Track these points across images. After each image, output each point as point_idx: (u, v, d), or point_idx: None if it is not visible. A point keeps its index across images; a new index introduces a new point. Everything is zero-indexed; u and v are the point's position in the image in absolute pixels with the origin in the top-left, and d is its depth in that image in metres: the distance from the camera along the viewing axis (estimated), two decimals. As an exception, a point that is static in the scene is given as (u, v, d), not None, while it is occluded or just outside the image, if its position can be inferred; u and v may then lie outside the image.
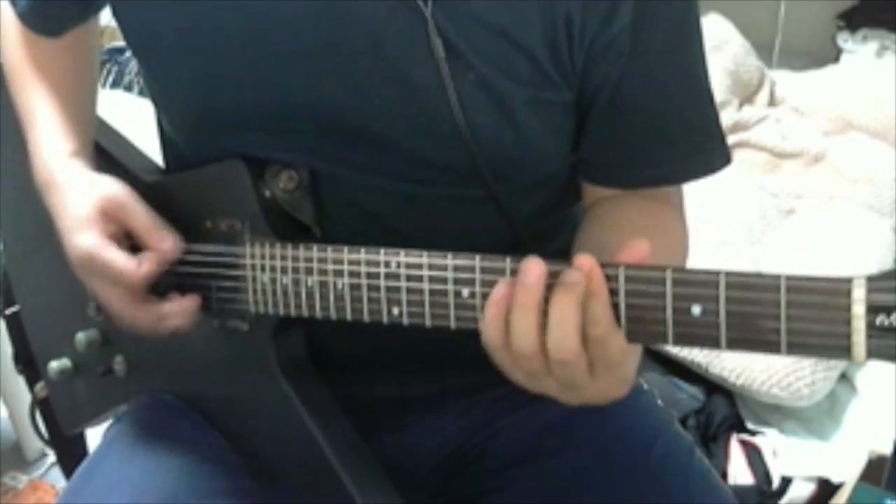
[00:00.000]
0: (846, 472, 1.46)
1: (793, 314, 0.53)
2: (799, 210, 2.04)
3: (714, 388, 1.66)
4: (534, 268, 0.59)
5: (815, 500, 1.50)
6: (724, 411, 1.63)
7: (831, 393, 1.67)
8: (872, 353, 0.51)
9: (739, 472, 1.53)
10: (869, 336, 0.50)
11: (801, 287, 0.53)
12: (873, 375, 1.73)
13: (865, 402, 1.69)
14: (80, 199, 0.78)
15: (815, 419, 1.66)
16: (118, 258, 0.74)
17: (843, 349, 0.51)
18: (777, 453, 1.56)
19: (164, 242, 0.76)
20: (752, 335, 0.54)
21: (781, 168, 2.27)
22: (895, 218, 2.05)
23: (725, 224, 1.91)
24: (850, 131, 2.35)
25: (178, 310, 0.77)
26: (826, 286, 0.52)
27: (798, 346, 0.53)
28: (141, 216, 0.77)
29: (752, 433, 1.62)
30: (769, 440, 1.59)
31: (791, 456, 1.56)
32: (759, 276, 0.54)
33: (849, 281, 0.51)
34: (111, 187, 0.78)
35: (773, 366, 1.58)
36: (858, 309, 0.51)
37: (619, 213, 0.79)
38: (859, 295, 0.51)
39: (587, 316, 0.57)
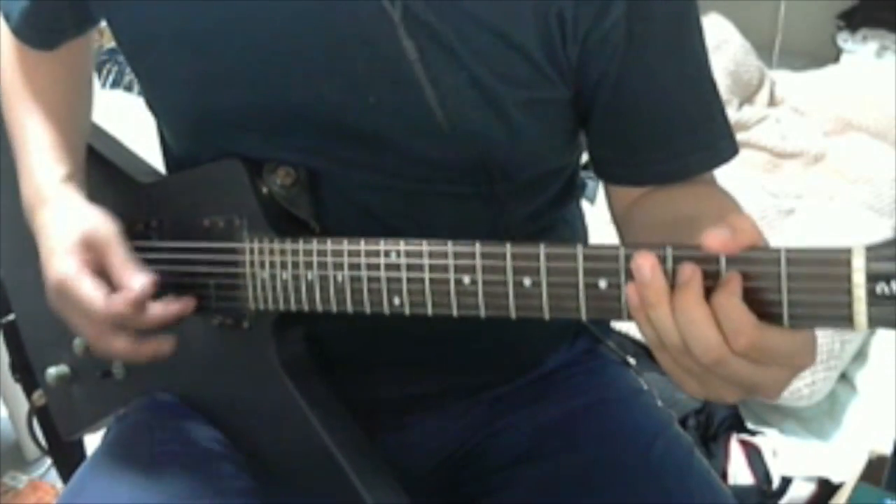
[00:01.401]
0: (846, 472, 1.46)
1: (794, 286, 0.53)
2: (799, 210, 2.04)
3: (714, 387, 1.66)
4: (644, 263, 0.55)
5: (815, 500, 1.50)
6: (724, 411, 1.63)
7: (831, 393, 1.67)
8: (873, 321, 0.51)
9: (739, 472, 1.53)
10: (870, 304, 0.51)
11: (801, 259, 0.53)
12: (873, 375, 1.73)
13: (865, 402, 1.69)
14: (65, 226, 0.78)
15: (815, 419, 1.66)
16: (89, 289, 0.74)
17: (844, 318, 0.52)
18: (777, 453, 1.56)
19: (137, 284, 0.74)
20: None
21: (781, 168, 2.27)
22: (895, 218, 2.05)
23: (725, 224, 1.91)
24: (850, 131, 2.35)
25: (161, 318, 0.77)
26: (826, 257, 0.52)
27: (800, 318, 0.54)
28: (119, 255, 0.76)
29: (752, 433, 1.62)
30: (769, 440, 1.59)
31: (791, 456, 1.56)
32: (759, 249, 0.54)
33: (848, 251, 0.51)
34: (98, 221, 0.78)
35: (773, 366, 1.58)
36: (858, 278, 0.51)
37: (661, 204, 0.78)
38: (859, 264, 0.51)
39: (719, 316, 0.54)
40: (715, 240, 0.54)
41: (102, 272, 0.76)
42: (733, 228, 0.54)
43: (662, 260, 0.56)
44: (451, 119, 0.73)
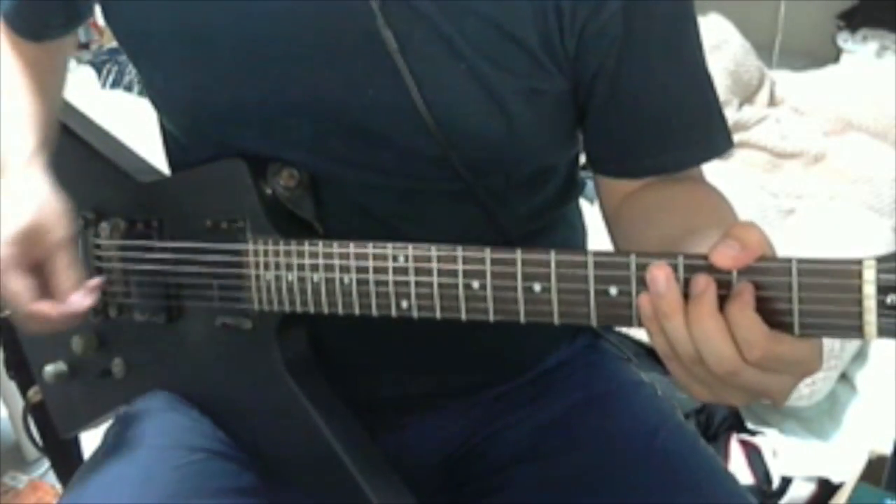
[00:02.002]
0: (846, 472, 1.46)
1: (805, 296, 0.54)
2: (799, 210, 2.05)
3: (714, 387, 1.66)
4: (659, 274, 0.56)
5: (815, 500, 1.50)
6: (724, 411, 1.63)
7: (831, 393, 1.67)
8: (883, 332, 0.52)
9: (739, 472, 1.53)
10: (880, 315, 0.51)
11: (813, 270, 0.53)
12: (873, 375, 1.73)
13: (865, 402, 1.69)
14: (18, 208, 0.76)
15: (815, 419, 1.67)
16: (12, 285, 0.74)
17: (854, 329, 0.52)
18: (777, 453, 1.56)
19: (72, 301, 0.74)
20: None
21: (781, 168, 2.27)
22: (895, 218, 2.06)
23: (725, 224, 1.90)
24: (850, 131, 2.35)
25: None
26: (837, 268, 0.53)
27: (811, 327, 0.54)
28: (62, 267, 0.75)
29: (752, 433, 1.62)
30: (769, 440, 1.59)
31: (791, 456, 1.56)
32: (769, 259, 0.55)
33: (859, 262, 0.52)
34: (53, 216, 0.76)
35: (774, 366, 1.58)
36: (869, 289, 0.52)
37: (652, 202, 0.78)
38: (870, 276, 0.52)
39: (732, 328, 0.54)
40: (724, 257, 0.54)
41: (39, 266, 0.75)
42: (741, 242, 0.54)
43: (674, 269, 0.56)
44: (440, 113, 0.72)
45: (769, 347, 0.54)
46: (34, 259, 0.75)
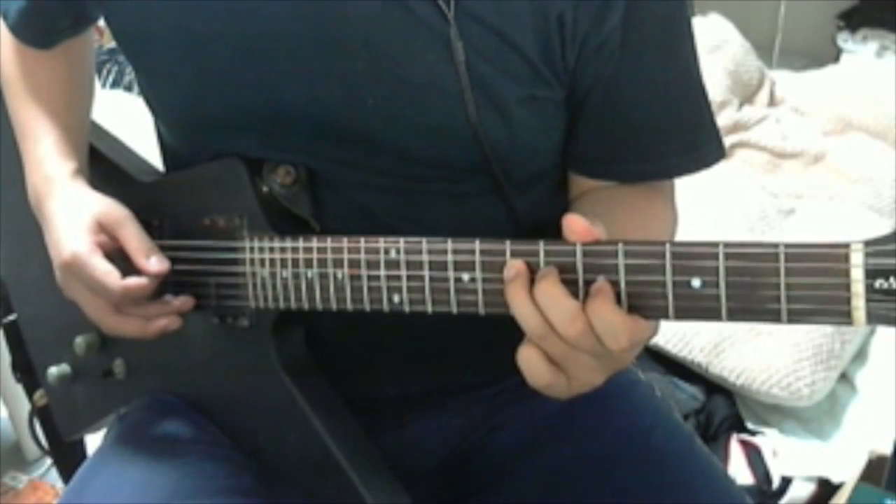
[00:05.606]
0: (846, 472, 1.46)
1: (792, 282, 0.53)
2: (799, 210, 2.04)
3: (714, 387, 1.66)
4: (512, 267, 0.62)
5: (815, 500, 1.50)
6: (724, 411, 1.63)
7: (831, 393, 1.67)
8: (872, 317, 0.51)
9: (739, 472, 1.53)
10: (868, 300, 0.51)
11: (800, 255, 0.53)
12: (873, 375, 1.73)
13: (865, 402, 1.69)
14: (77, 209, 0.79)
15: (815, 419, 1.66)
16: (101, 266, 0.75)
17: (843, 314, 0.52)
18: (777, 453, 1.56)
19: (152, 263, 0.76)
20: (752, 305, 0.54)
21: (781, 168, 2.27)
22: (895, 218, 2.05)
23: (726, 224, 1.91)
24: (850, 131, 2.35)
25: (163, 311, 0.78)
26: (824, 252, 0.52)
27: (798, 314, 0.54)
28: (134, 235, 0.77)
29: (752, 433, 1.62)
30: (769, 440, 1.59)
31: (791, 456, 1.56)
32: (757, 245, 0.54)
33: (846, 246, 0.51)
34: (111, 204, 0.80)
35: (774, 366, 1.59)
36: (857, 273, 0.51)
37: (612, 198, 0.79)
38: (857, 259, 0.51)
39: (593, 322, 0.60)
40: (579, 223, 0.60)
41: (113, 255, 0.77)
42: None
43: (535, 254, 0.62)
44: (441, 119, 0.73)
45: (632, 332, 0.58)
46: (108, 247, 0.77)
